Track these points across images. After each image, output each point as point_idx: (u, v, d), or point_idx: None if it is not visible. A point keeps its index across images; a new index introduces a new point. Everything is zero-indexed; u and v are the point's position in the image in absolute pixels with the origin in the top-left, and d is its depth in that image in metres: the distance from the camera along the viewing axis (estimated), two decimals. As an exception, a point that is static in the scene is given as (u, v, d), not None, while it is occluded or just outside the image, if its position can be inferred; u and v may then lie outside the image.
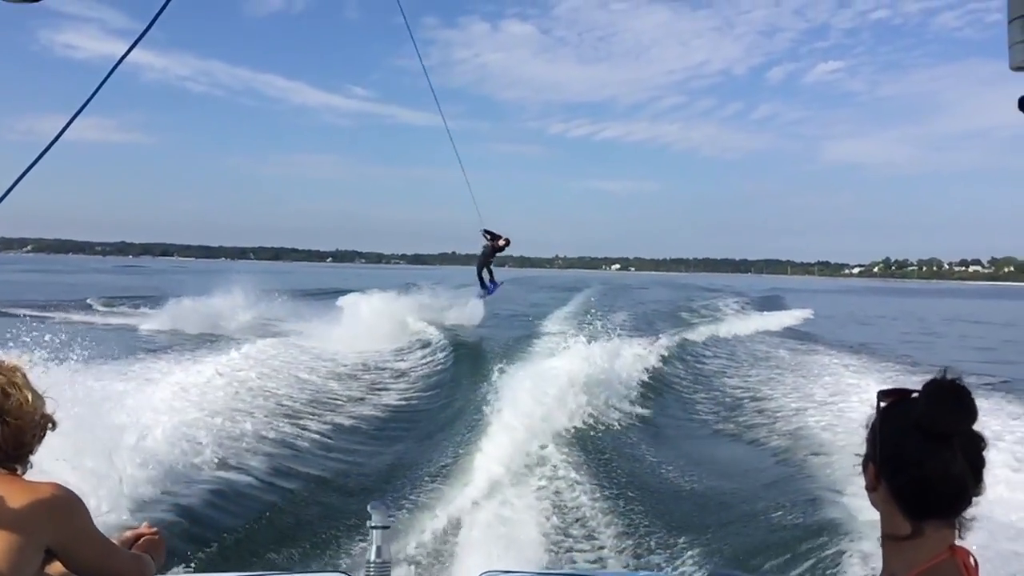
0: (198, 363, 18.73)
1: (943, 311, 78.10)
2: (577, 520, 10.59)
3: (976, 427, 1.90)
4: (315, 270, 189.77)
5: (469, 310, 35.12)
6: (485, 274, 32.78)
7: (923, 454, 1.85)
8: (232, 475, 11.67)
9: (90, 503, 3.02)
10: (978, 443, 1.88)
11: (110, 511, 8.77)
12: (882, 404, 1.98)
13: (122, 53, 1.83)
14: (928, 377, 1.94)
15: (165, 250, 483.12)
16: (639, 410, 17.88)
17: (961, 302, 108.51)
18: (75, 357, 12.32)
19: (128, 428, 10.89)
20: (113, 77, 2.21)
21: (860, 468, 2.06)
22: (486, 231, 31.37)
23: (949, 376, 1.92)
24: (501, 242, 31.65)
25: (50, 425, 2.79)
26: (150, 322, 34.85)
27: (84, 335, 15.84)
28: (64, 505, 2.68)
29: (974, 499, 1.89)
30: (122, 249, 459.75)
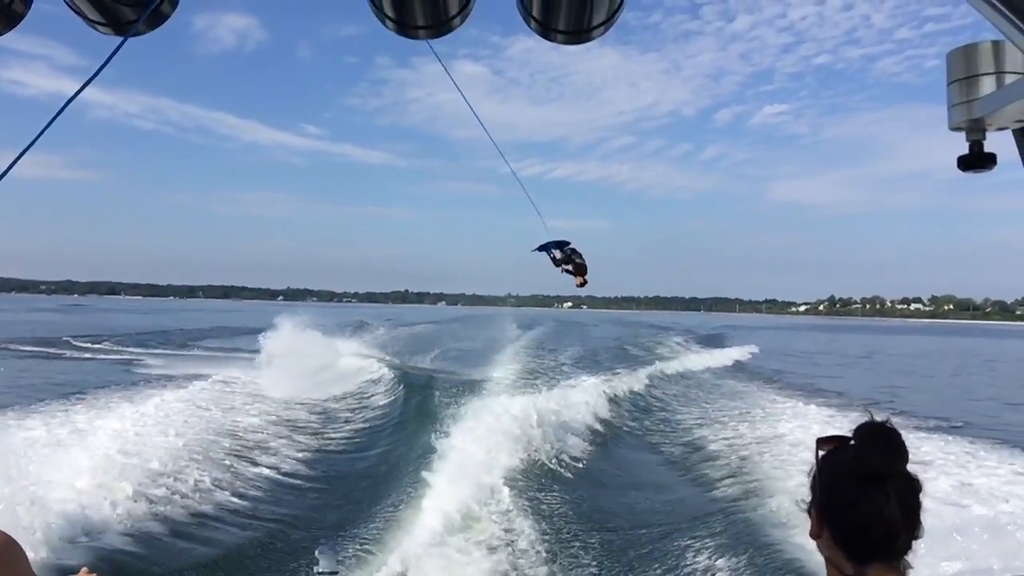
0: (130, 408, 18.40)
1: (879, 346, 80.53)
2: (529, 562, 10.50)
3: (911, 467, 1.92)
4: (266, 308, 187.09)
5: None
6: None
7: (857, 496, 1.86)
8: (172, 521, 11.37)
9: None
10: (912, 485, 1.90)
11: (41, 556, 8.52)
12: (820, 452, 1.99)
13: (71, 90, 1.90)
14: (861, 418, 1.98)
15: (112, 288, 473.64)
16: (587, 447, 17.88)
17: (902, 338, 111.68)
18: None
19: (57, 474, 10.65)
20: (60, 115, 2.27)
21: (799, 509, 2.07)
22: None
23: (878, 418, 1.95)
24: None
25: None
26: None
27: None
28: (5, 551, 2.62)
29: (915, 542, 1.89)
30: (67, 288, 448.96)
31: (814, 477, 1.99)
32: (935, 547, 8.52)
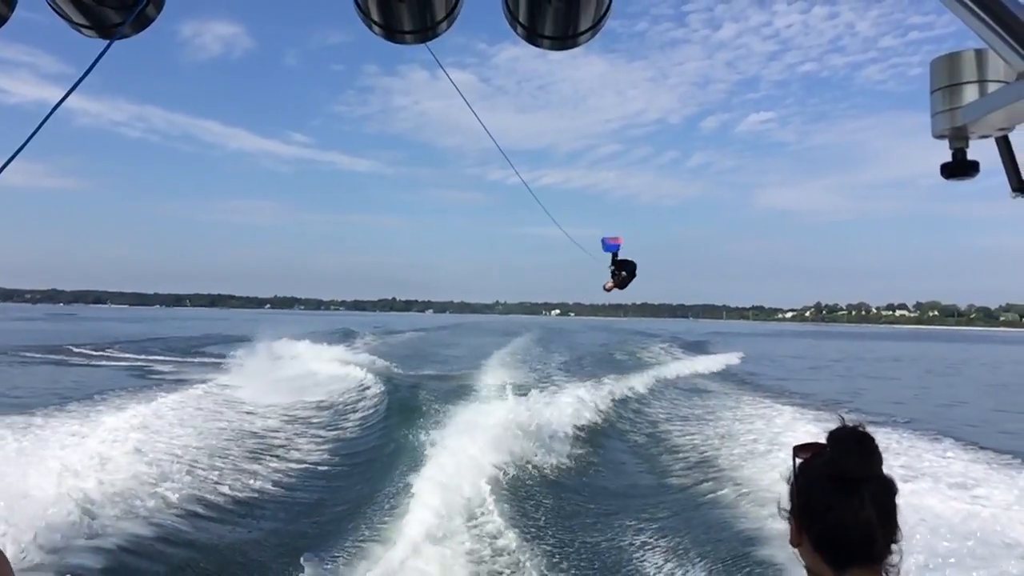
0: (117, 415, 18.36)
1: (860, 352, 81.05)
2: (515, 571, 10.47)
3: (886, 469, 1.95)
4: (253, 316, 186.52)
5: None
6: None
7: (833, 500, 1.88)
8: (155, 530, 11.30)
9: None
10: (888, 488, 1.92)
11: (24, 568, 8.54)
12: (798, 459, 2.02)
13: (55, 98, 1.95)
14: (834, 424, 2.01)
15: (98, 297, 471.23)
16: (572, 454, 17.93)
17: (883, 344, 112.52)
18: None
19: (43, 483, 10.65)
20: (46, 122, 2.31)
21: (781, 518, 2.09)
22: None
23: (850, 423, 1.98)
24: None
25: None
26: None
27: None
28: None
29: (894, 545, 1.91)
30: (52, 296, 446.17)
31: (792, 484, 2.02)
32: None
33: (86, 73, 1.84)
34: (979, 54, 1.75)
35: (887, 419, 24.55)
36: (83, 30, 2.07)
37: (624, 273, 16.43)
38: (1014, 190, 1.80)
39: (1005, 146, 1.81)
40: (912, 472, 14.66)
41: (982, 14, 1.35)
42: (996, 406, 33.06)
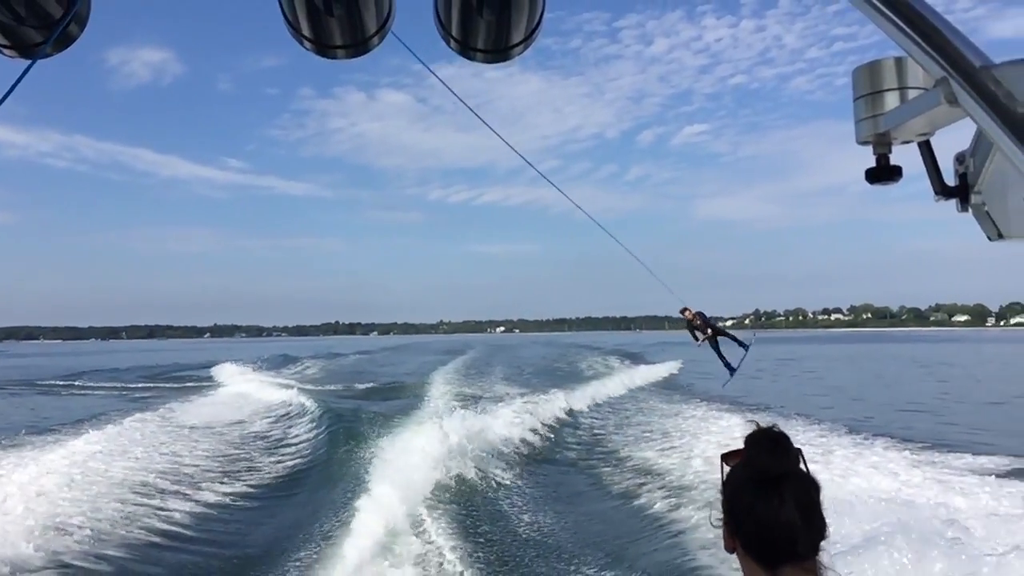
0: (43, 452, 18.01)
1: (800, 354, 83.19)
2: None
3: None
4: (192, 346, 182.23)
5: None
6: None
7: (753, 501, 1.90)
8: (89, 562, 11.23)
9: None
10: (808, 485, 1.93)
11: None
12: (726, 466, 2.04)
13: None
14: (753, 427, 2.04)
15: (30, 333, 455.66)
16: (513, 466, 18.14)
17: (817, 347, 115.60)
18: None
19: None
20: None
21: (713, 527, 2.11)
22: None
23: (765, 425, 2.03)
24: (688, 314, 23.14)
25: None
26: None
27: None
28: None
29: (823, 542, 1.91)
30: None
31: (721, 491, 2.04)
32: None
33: (8, 93, 1.80)
34: (899, 62, 1.81)
35: (814, 417, 25.35)
36: (3, 50, 2.03)
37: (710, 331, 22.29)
38: (937, 194, 1.85)
39: (927, 151, 1.86)
40: (846, 462, 15.78)
41: (901, 23, 1.39)
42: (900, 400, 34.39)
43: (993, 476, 14.98)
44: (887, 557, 8.39)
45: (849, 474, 14.86)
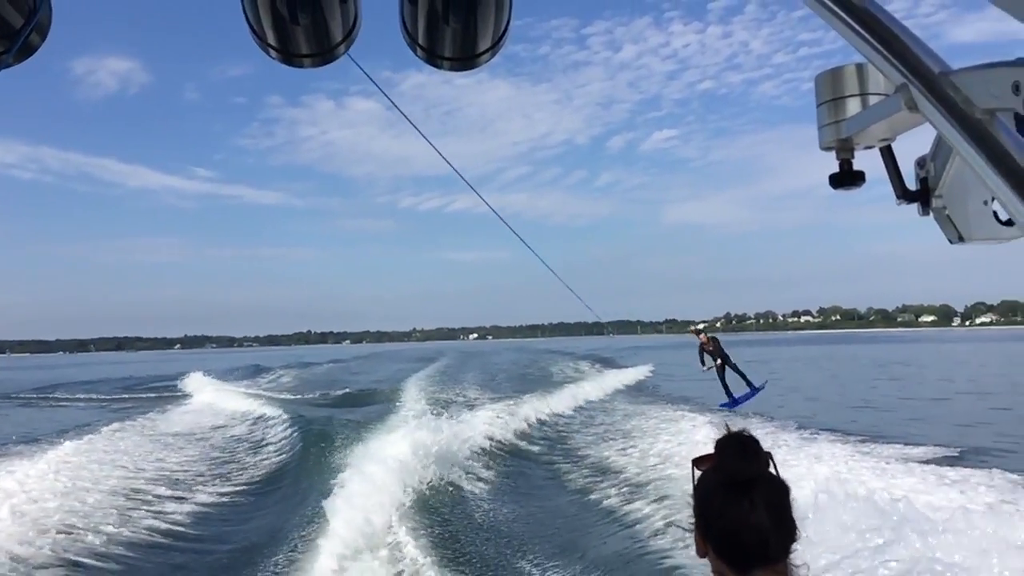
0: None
1: (766, 356, 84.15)
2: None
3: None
4: (162, 358, 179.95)
5: None
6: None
7: (723, 505, 1.92)
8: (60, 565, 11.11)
9: None
10: (778, 488, 1.95)
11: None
12: (698, 471, 2.05)
13: None
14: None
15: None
16: (485, 472, 18.15)
17: (791, 348, 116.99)
18: None
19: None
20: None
21: (685, 532, 2.27)
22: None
23: (735, 429, 2.05)
24: (702, 338, 25.43)
25: None
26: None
27: None
28: None
29: (794, 545, 1.93)
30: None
31: (693, 496, 2.05)
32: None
33: None
34: (860, 68, 1.82)
35: (767, 415, 25.79)
36: None
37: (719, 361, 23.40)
38: (899, 198, 1.86)
39: (888, 156, 1.87)
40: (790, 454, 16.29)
41: (860, 30, 1.39)
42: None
43: (918, 463, 16.56)
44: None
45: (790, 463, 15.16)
